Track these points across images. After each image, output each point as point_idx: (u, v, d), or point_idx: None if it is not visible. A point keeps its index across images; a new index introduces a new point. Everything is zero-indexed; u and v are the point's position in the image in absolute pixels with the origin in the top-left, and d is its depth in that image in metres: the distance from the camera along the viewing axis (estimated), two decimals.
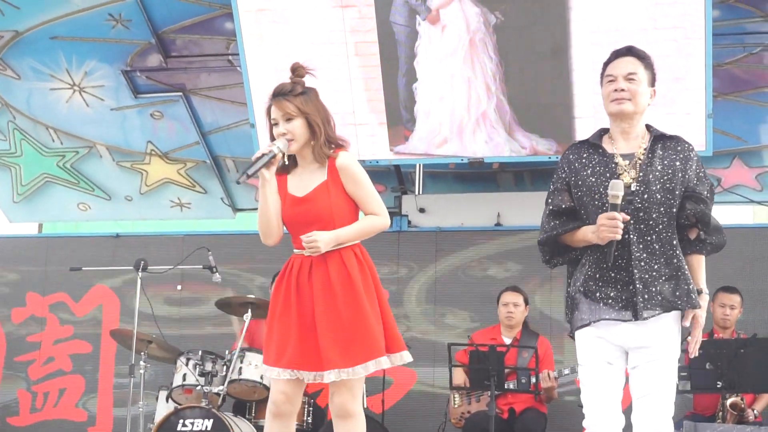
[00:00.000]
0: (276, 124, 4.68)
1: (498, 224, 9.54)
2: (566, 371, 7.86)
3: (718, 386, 7.09)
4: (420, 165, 9.68)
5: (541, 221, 4.59)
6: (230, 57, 9.58)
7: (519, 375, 7.59)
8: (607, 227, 4.26)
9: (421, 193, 9.79)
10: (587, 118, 8.49)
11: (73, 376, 9.96)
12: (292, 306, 4.66)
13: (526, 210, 9.43)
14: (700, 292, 4.44)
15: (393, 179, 9.92)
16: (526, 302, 8.14)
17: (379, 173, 9.61)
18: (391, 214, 9.49)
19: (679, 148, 4.45)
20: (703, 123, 8.18)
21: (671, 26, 8.07)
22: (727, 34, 8.72)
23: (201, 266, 8.37)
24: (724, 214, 10.55)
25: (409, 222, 9.70)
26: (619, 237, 4.26)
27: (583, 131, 8.50)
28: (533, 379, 7.54)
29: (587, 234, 4.38)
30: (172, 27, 9.51)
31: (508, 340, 7.97)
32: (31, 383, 10.03)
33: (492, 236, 9.44)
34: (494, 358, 7.43)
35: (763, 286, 8.84)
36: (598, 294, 4.37)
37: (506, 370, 7.53)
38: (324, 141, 4.70)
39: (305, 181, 4.73)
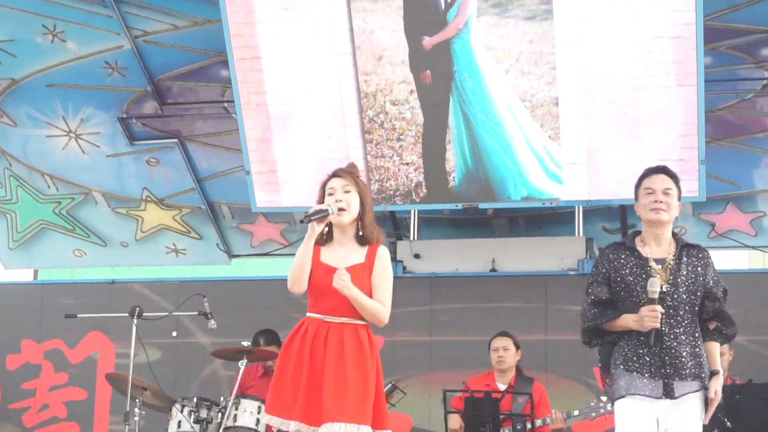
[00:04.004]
0: (332, 194, 5.08)
1: (493, 270, 9.54)
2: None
3: None
4: (415, 211, 9.69)
5: (582, 309, 5.31)
6: (225, 104, 9.65)
7: (514, 421, 7.57)
8: (650, 317, 5.02)
9: (416, 239, 9.78)
10: (580, 164, 8.55)
11: (68, 423, 9.91)
12: (305, 364, 4.99)
13: (521, 255, 9.46)
14: (717, 372, 5.17)
15: (388, 225, 9.93)
16: (517, 346, 8.09)
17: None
18: None
19: (700, 255, 5.24)
20: (697, 168, 8.23)
21: (664, 73, 8.14)
22: (719, 80, 8.79)
23: (196, 312, 8.34)
24: (718, 259, 10.55)
25: (404, 268, 9.70)
26: (658, 325, 5.03)
27: (576, 181, 8.57)
28: (528, 425, 7.53)
29: (628, 322, 5.12)
30: (168, 74, 9.58)
31: (502, 386, 7.94)
32: (26, 431, 9.98)
33: (487, 282, 9.44)
34: (489, 405, 7.43)
35: (759, 330, 8.83)
36: (635, 372, 5.10)
37: (501, 417, 7.52)
38: (371, 224, 5.16)
39: (341, 255, 5.11)
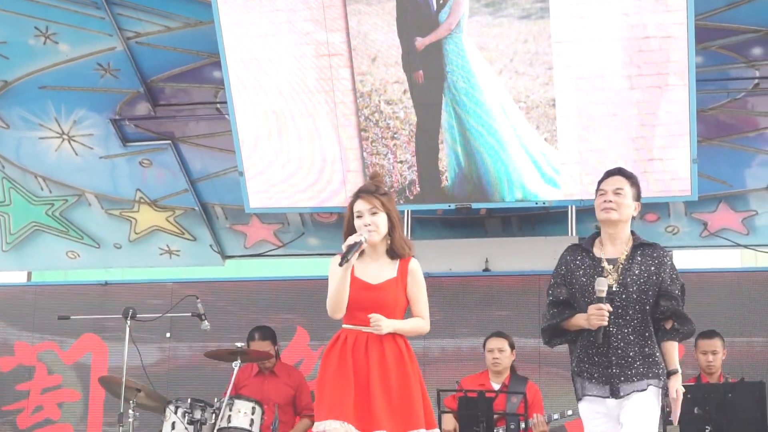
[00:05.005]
0: (360, 216, 5.31)
1: (486, 269, 9.55)
2: (556, 416, 7.85)
3: (707, 431, 7.08)
4: (408, 211, 9.69)
5: (544, 311, 5.49)
6: (218, 105, 9.66)
7: (508, 421, 7.57)
8: (595, 316, 5.13)
9: (409, 239, 9.77)
10: (573, 164, 8.56)
11: (62, 424, 9.89)
12: (349, 370, 5.23)
13: (514, 255, 9.46)
14: (675, 371, 5.25)
15: None
16: (512, 347, 8.10)
17: None
18: None
19: (654, 254, 5.31)
20: (688, 168, 8.25)
21: (655, 72, 8.15)
22: (710, 80, 8.82)
23: (190, 314, 8.35)
24: (711, 258, 10.60)
25: None
26: (605, 323, 5.13)
27: (569, 181, 8.57)
28: (522, 425, 7.53)
29: (580, 321, 5.25)
30: (161, 76, 9.58)
31: (496, 386, 7.95)
32: None
33: (480, 281, 9.44)
34: (483, 404, 7.43)
35: (750, 329, 8.84)
36: (586, 373, 5.27)
37: (495, 416, 7.52)
38: (401, 238, 5.40)
39: (375, 270, 5.37)
